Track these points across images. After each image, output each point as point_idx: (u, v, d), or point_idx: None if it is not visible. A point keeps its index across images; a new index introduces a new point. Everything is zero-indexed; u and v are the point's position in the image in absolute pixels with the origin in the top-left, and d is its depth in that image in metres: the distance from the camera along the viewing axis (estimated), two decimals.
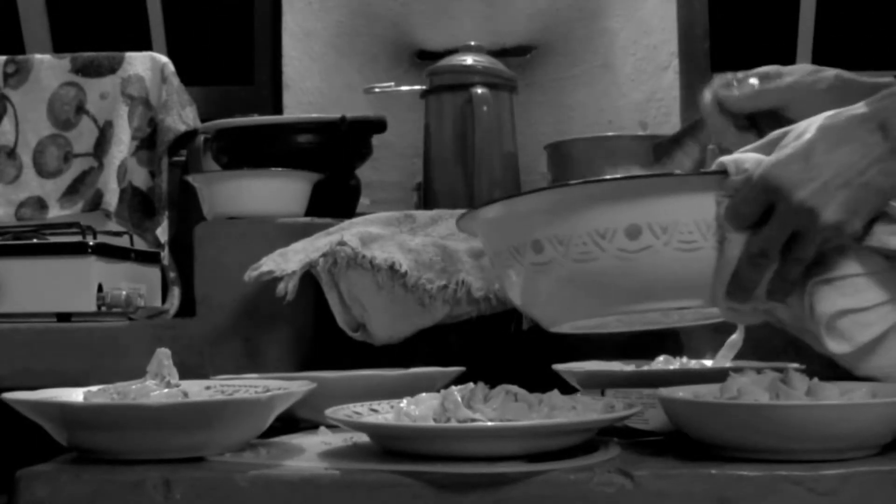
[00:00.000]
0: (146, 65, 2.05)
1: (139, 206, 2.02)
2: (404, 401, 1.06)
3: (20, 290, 1.80)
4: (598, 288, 1.03)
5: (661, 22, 2.20)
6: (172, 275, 2.03)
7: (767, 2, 2.81)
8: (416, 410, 1.03)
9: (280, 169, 1.67)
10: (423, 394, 1.07)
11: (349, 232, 1.48)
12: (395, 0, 2.21)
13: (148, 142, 2.02)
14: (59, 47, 2.73)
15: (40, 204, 2.05)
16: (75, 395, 1.08)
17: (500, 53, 2.07)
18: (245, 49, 2.47)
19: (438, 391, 1.06)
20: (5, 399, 1.03)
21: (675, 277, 1.02)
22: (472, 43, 1.92)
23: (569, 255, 1.02)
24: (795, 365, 1.16)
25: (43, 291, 1.80)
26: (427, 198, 1.87)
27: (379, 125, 1.84)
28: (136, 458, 0.99)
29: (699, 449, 1.00)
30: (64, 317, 1.78)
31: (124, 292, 1.81)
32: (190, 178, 1.72)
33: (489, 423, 0.99)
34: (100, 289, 1.80)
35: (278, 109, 2.25)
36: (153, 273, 2.01)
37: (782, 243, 1.01)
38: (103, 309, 1.80)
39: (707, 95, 1.22)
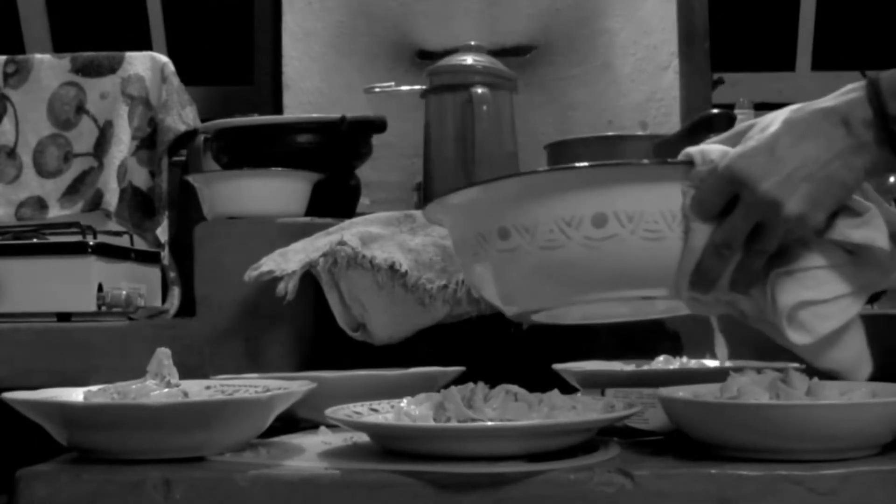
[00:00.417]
0: (146, 65, 2.05)
1: (139, 205, 2.02)
2: (404, 401, 1.06)
3: (20, 290, 1.80)
4: (564, 276, 1.03)
5: (661, 22, 2.20)
6: (172, 275, 2.03)
7: (767, 2, 2.82)
8: (416, 410, 1.04)
9: (280, 169, 1.67)
10: (423, 394, 1.07)
11: (349, 232, 1.48)
12: (395, 0, 2.21)
13: (148, 142, 2.02)
14: (59, 47, 2.74)
15: (40, 204, 2.05)
16: (75, 395, 1.08)
17: (500, 53, 2.07)
18: (245, 49, 2.47)
19: (438, 391, 1.06)
20: (5, 399, 1.03)
21: (640, 266, 1.02)
22: (472, 43, 1.92)
23: (535, 242, 1.02)
24: (795, 365, 1.16)
25: (43, 291, 1.80)
26: (427, 198, 1.87)
27: (379, 125, 1.84)
28: (136, 458, 0.99)
29: (699, 449, 1.00)
30: (64, 317, 1.78)
31: (124, 292, 1.81)
32: (190, 178, 1.72)
33: (489, 423, 0.99)
34: (100, 289, 1.80)
35: (278, 109, 2.25)
36: (153, 273, 2.01)
37: (746, 234, 1.01)
38: (103, 309, 1.80)
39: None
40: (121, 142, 2.00)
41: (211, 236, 1.60)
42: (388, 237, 1.49)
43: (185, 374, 1.11)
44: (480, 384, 1.06)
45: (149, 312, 1.87)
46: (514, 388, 1.06)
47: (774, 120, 1.03)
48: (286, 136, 1.78)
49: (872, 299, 1.72)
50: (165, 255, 2.04)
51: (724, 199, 1.01)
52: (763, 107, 1.41)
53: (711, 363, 1.35)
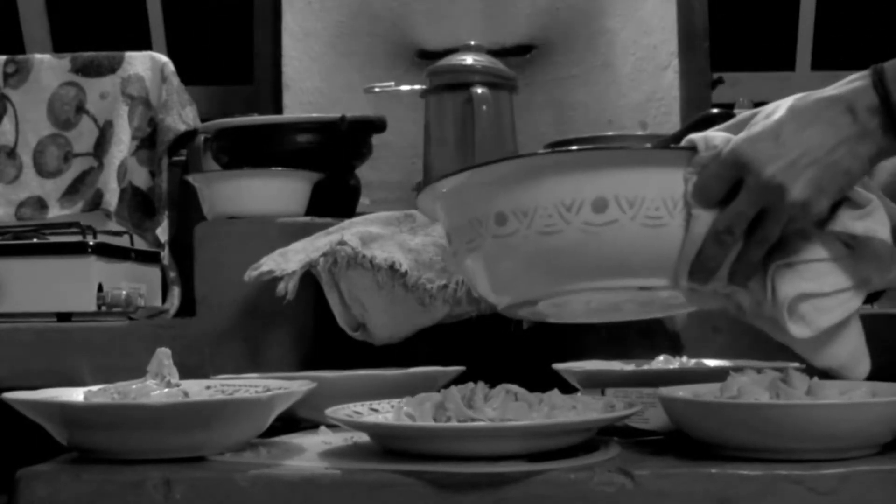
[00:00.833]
0: (146, 64, 2.05)
1: (139, 205, 2.02)
2: (404, 401, 1.06)
3: (20, 290, 1.80)
4: (561, 263, 1.01)
5: (660, 22, 2.20)
6: (172, 275, 2.03)
7: (767, 2, 2.82)
8: (416, 410, 1.03)
9: (280, 169, 1.67)
10: (423, 394, 1.07)
11: (349, 232, 1.48)
12: (395, 0, 2.21)
13: (148, 141, 2.02)
14: (59, 47, 2.74)
15: (40, 204, 2.05)
16: (75, 395, 1.08)
17: (500, 53, 2.07)
18: (245, 49, 2.47)
19: (438, 391, 1.06)
20: (5, 399, 1.03)
21: (639, 254, 1.00)
22: (472, 43, 1.92)
23: (533, 227, 1.00)
24: (795, 365, 1.16)
25: (43, 291, 1.80)
26: None
27: (379, 125, 1.84)
28: (136, 458, 0.99)
29: (699, 449, 1.00)
30: (64, 317, 1.78)
31: (124, 292, 1.81)
32: (190, 178, 1.72)
33: (489, 423, 0.99)
34: (100, 289, 1.80)
35: (278, 109, 2.25)
36: (153, 273, 2.01)
37: (749, 220, 1.00)
38: (103, 309, 1.80)
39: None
40: (121, 142, 2.00)
41: (211, 236, 1.60)
42: (388, 237, 1.49)
43: (185, 374, 1.11)
44: (480, 384, 1.05)
45: (149, 312, 1.87)
46: (514, 388, 1.05)
47: (779, 107, 1.02)
48: (286, 136, 1.78)
49: (872, 299, 1.72)
50: (165, 255, 2.04)
51: (727, 184, 1.00)
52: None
53: (711, 363, 1.35)
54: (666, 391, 1.04)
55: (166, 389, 1.06)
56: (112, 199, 1.97)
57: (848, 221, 1.02)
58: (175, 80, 2.04)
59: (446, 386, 1.09)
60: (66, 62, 2.08)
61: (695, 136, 1.02)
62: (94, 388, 1.09)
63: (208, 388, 1.13)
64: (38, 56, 2.11)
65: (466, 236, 1.06)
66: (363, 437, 1.07)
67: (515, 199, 1.01)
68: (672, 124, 2.12)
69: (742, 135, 1.01)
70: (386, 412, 1.07)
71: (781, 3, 2.79)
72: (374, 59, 2.21)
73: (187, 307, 1.84)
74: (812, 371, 1.06)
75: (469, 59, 1.87)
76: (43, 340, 1.68)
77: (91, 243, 1.82)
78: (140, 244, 2.02)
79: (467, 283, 1.15)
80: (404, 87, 1.93)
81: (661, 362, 1.36)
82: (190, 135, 2.03)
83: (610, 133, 2.05)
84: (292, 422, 1.18)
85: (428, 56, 2.15)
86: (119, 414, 0.99)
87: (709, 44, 2.33)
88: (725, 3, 2.53)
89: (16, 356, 1.66)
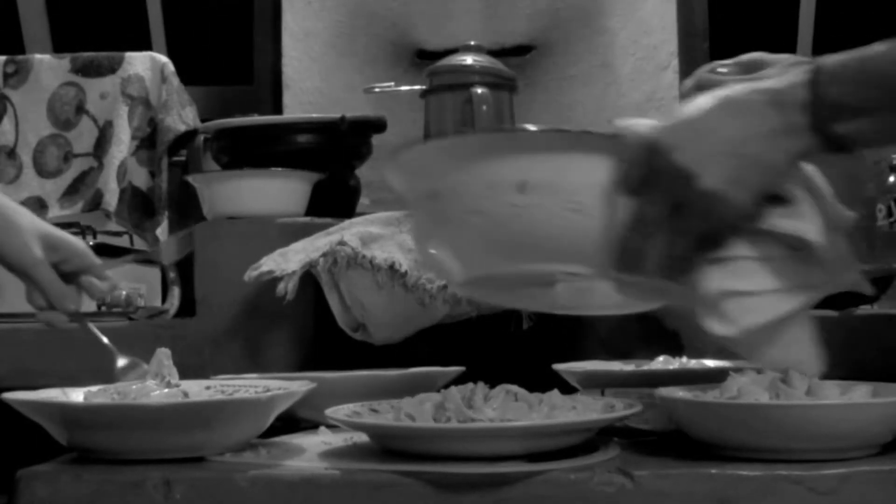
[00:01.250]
0: (146, 65, 2.05)
1: (139, 206, 2.02)
2: (404, 401, 1.06)
3: (20, 290, 1.80)
4: (486, 243, 1.01)
5: (660, 22, 2.20)
6: (172, 275, 2.02)
7: (767, 2, 2.82)
8: (415, 411, 1.03)
9: (280, 169, 1.67)
10: (423, 394, 1.07)
11: (349, 232, 1.48)
12: (395, 0, 2.21)
13: (148, 142, 2.02)
14: (58, 47, 2.73)
15: (40, 204, 2.05)
16: (75, 395, 1.08)
17: (500, 53, 2.07)
18: (245, 49, 2.47)
19: (438, 391, 1.06)
20: (5, 399, 1.03)
21: (563, 239, 0.99)
22: (472, 43, 1.92)
23: (461, 205, 1.00)
24: None
25: None
26: None
27: (379, 125, 1.84)
28: (136, 458, 0.99)
29: (699, 449, 1.00)
30: None
31: (124, 292, 1.81)
32: (190, 178, 1.72)
33: (489, 423, 0.99)
34: None
35: (278, 109, 2.25)
36: (153, 273, 2.01)
37: (664, 209, 0.97)
38: (103, 309, 1.79)
39: (689, 81, 1.20)
40: (121, 142, 2.00)
41: (211, 236, 1.60)
42: (388, 237, 1.49)
43: (185, 374, 1.11)
44: (480, 384, 1.05)
45: (149, 312, 1.87)
46: (514, 388, 1.06)
47: (714, 94, 0.99)
48: (286, 136, 1.78)
49: (872, 300, 1.72)
50: None
51: (643, 170, 0.96)
52: None
53: (711, 363, 1.35)
54: (666, 391, 1.04)
55: (166, 389, 1.06)
56: (112, 199, 1.96)
57: (775, 219, 0.99)
58: (175, 81, 2.04)
59: (446, 386, 1.09)
60: (66, 62, 2.07)
61: (621, 122, 1.00)
62: (94, 388, 1.09)
63: (208, 388, 1.13)
64: (38, 56, 2.11)
65: (409, 208, 1.07)
66: (363, 438, 1.07)
67: (448, 178, 1.01)
68: None
69: (665, 121, 0.98)
70: (386, 412, 1.07)
71: (781, 3, 2.79)
72: (374, 59, 2.21)
73: (187, 307, 1.84)
74: None
75: (469, 60, 1.87)
76: (43, 340, 1.68)
77: (91, 243, 1.82)
78: (140, 244, 2.02)
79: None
80: (404, 87, 1.93)
81: (661, 362, 1.36)
82: (190, 135, 2.02)
83: None
84: (292, 422, 1.18)
85: (428, 56, 2.15)
86: (119, 414, 0.99)
87: (708, 44, 2.33)
88: (725, 3, 2.53)
89: (16, 356, 1.66)
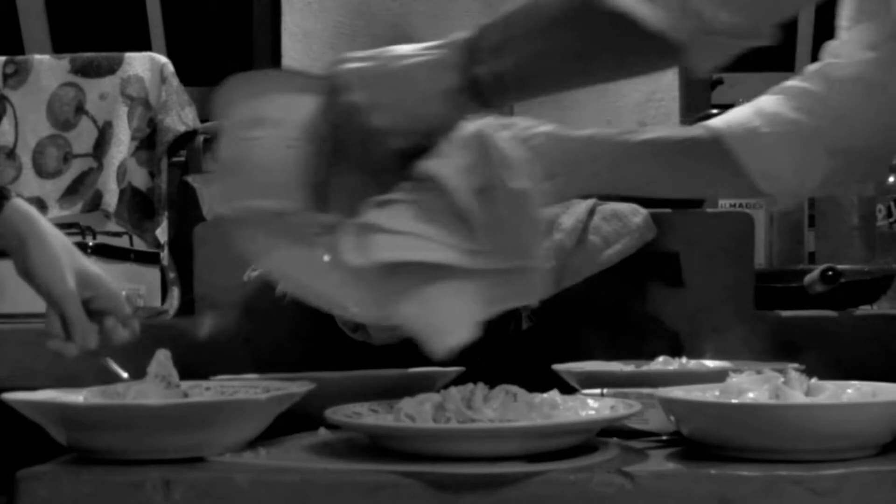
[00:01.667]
0: (145, 65, 2.05)
1: (139, 206, 2.01)
2: (404, 401, 1.06)
3: (20, 290, 1.80)
4: (233, 178, 1.08)
5: None
6: (172, 275, 2.02)
7: None
8: (415, 411, 1.03)
9: None
10: (423, 394, 1.07)
11: None
12: (394, 0, 2.21)
13: (147, 142, 2.02)
14: (58, 48, 2.73)
15: (40, 204, 2.04)
16: (75, 395, 1.08)
17: None
18: (244, 49, 2.47)
19: (438, 391, 1.06)
20: (5, 399, 1.03)
21: (279, 174, 1.03)
22: None
23: (223, 143, 1.07)
24: (795, 365, 1.16)
25: None
26: None
27: None
28: (136, 459, 0.99)
29: (699, 449, 1.00)
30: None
31: (124, 292, 1.80)
32: (190, 179, 1.71)
33: (489, 424, 0.99)
34: None
35: None
36: (153, 273, 2.01)
37: (339, 144, 1.00)
38: None
39: None
40: (120, 142, 2.00)
41: (211, 236, 1.60)
42: None
43: (185, 374, 1.11)
44: (480, 384, 1.05)
45: (148, 313, 1.87)
46: (514, 388, 1.06)
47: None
48: None
49: (871, 300, 1.72)
50: (165, 255, 2.03)
51: (327, 107, 1.01)
52: None
53: (711, 363, 1.35)
54: (665, 392, 1.04)
55: (166, 390, 1.06)
56: (111, 199, 1.96)
57: (427, 162, 1.00)
58: (174, 81, 2.04)
59: (446, 386, 1.09)
60: (66, 63, 2.07)
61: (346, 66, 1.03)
62: (94, 388, 1.09)
63: (208, 388, 1.13)
64: (37, 56, 2.10)
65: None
66: (363, 438, 1.07)
67: (221, 116, 1.08)
68: (671, 125, 2.12)
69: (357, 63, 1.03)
70: (386, 412, 1.07)
71: None
72: None
73: (187, 307, 1.84)
74: (812, 372, 1.06)
75: None
76: (43, 340, 1.67)
77: (90, 244, 1.82)
78: (140, 245, 2.01)
79: None
80: None
81: (661, 363, 1.36)
82: (189, 135, 2.02)
83: None
84: (292, 422, 1.18)
85: None
86: (119, 414, 0.99)
87: None
88: None
89: (16, 356, 1.66)
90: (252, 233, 1.09)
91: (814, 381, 1.02)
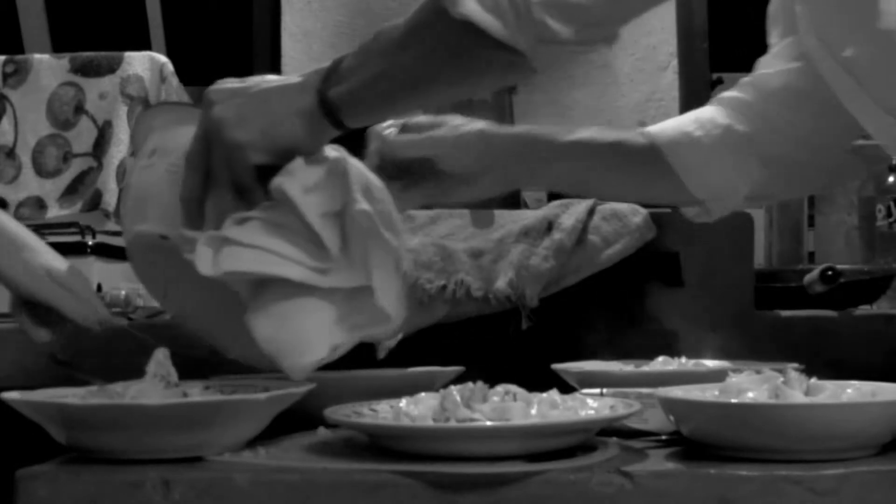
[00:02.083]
0: (145, 65, 2.05)
1: None
2: (404, 401, 1.06)
3: None
4: (126, 202, 1.14)
5: (660, 22, 2.20)
6: None
7: (766, 3, 2.81)
8: (415, 410, 1.03)
9: None
10: (423, 394, 1.07)
11: None
12: (394, 0, 2.21)
13: None
14: (58, 47, 2.73)
15: (39, 204, 2.05)
16: (75, 394, 1.08)
17: None
18: (244, 49, 2.47)
19: (438, 391, 1.06)
20: (5, 399, 1.03)
21: (161, 198, 1.07)
22: None
23: (128, 172, 1.15)
24: (795, 365, 1.16)
25: None
26: None
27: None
28: (136, 458, 0.99)
29: (699, 449, 1.00)
30: None
31: (123, 292, 1.80)
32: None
33: (489, 423, 0.99)
34: (99, 289, 1.79)
35: None
36: None
37: (199, 148, 1.04)
38: None
39: (370, 149, 1.26)
40: (120, 142, 2.00)
41: None
42: None
43: (185, 374, 1.11)
44: (480, 384, 1.05)
45: (148, 312, 1.87)
46: (514, 388, 1.05)
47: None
48: None
49: (871, 299, 1.72)
50: None
51: (200, 126, 1.05)
52: None
53: (711, 363, 1.35)
54: (665, 391, 1.04)
55: (165, 390, 1.06)
56: (111, 199, 1.96)
57: (277, 178, 1.03)
58: (174, 81, 2.04)
59: (446, 386, 1.09)
60: (66, 62, 2.07)
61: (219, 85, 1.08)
62: (94, 388, 1.09)
63: (207, 388, 1.13)
64: (37, 56, 2.10)
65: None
66: (363, 438, 1.07)
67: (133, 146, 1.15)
68: None
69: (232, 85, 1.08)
70: (385, 412, 1.07)
71: None
72: None
73: None
74: (812, 371, 1.06)
75: None
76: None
77: (90, 243, 1.82)
78: None
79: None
80: None
81: (661, 363, 1.36)
82: None
83: None
84: (292, 422, 1.18)
85: None
86: (118, 414, 0.99)
87: (708, 44, 2.33)
88: (724, 4, 2.53)
89: (16, 356, 1.65)
90: (143, 257, 1.13)
91: (814, 381, 1.02)
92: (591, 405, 1.06)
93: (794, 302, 1.65)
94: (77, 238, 1.85)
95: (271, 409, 1.05)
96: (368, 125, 1.14)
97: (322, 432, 1.16)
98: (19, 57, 2.11)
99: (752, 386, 1.02)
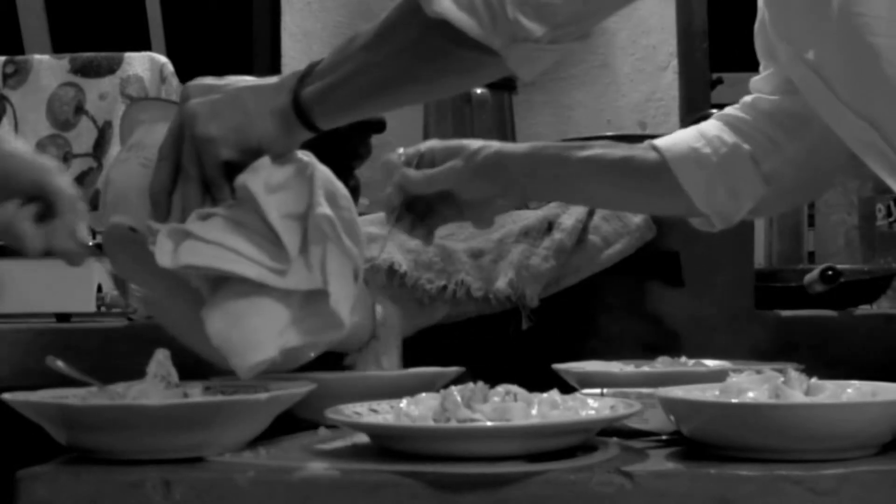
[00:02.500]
0: (145, 65, 2.05)
1: None
2: (404, 401, 1.06)
3: (20, 290, 1.80)
4: (107, 196, 1.15)
5: (659, 22, 2.19)
6: None
7: None
8: (415, 410, 1.03)
9: None
10: (423, 394, 1.07)
11: None
12: (393, 1, 2.21)
13: None
14: (58, 47, 2.73)
15: None
16: (75, 395, 1.08)
17: None
18: (244, 49, 2.47)
19: (438, 391, 1.06)
20: (5, 399, 1.03)
21: (133, 190, 1.09)
22: None
23: (108, 166, 1.16)
24: (795, 365, 1.16)
25: (42, 292, 1.79)
26: None
27: (379, 125, 1.83)
28: (136, 459, 0.99)
29: (699, 449, 1.00)
30: (64, 317, 1.78)
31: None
32: None
33: (489, 423, 0.99)
34: (99, 289, 1.79)
35: None
36: None
37: (172, 141, 1.05)
38: (103, 309, 1.79)
39: (392, 185, 1.29)
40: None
41: None
42: (387, 238, 1.49)
43: (185, 374, 1.11)
44: (480, 384, 1.05)
45: (148, 313, 1.87)
46: (514, 388, 1.05)
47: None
48: None
49: (871, 299, 1.72)
50: None
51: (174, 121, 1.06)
52: None
53: (711, 363, 1.35)
54: (665, 391, 1.04)
55: (166, 390, 1.06)
56: None
57: (241, 175, 1.04)
58: (174, 81, 2.05)
59: (446, 386, 1.09)
60: (66, 63, 2.08)
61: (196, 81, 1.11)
62: (94, 388, 1.09)
63: (208, 388, 1.13)
64: (37, 56, 2.11)
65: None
66: (363, 438, 1.07)
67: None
68: (671, 125, 2.12)
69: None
70: (386, 412, 1.07)
71: None
72: None
73: None
74: (812, 371, 1.06)
75: None
76: (43, 340, 1.68)
77: (90, 244, 1.82)
78: None
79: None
80: None
81: (661, 363, 1.36)
82: None
83: (609, 133, 2.05)
84: (292, 422, 1.18)
85: None
86: (119, 414, 0.99)
87: (708, 44, 2.33)
88: (725, 4, 2.53)
89: (16, 356, 1.66)
90: (119, 248, 1.14)
91: (814, 380, 1.02)
92: (591, 405, 1.06)
93: (794, 302, 1.65)
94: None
95: (271, 409, 1.05)
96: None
97: (322, 432, 1.16)
98: (19, 57, 2.11)
99: (753, 386, 1.02)
